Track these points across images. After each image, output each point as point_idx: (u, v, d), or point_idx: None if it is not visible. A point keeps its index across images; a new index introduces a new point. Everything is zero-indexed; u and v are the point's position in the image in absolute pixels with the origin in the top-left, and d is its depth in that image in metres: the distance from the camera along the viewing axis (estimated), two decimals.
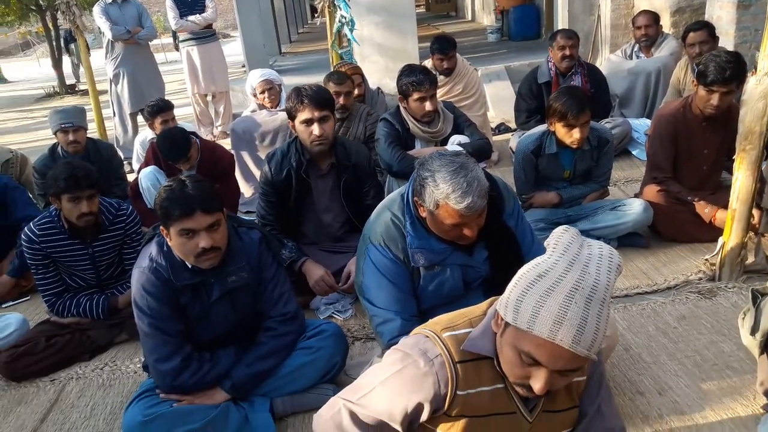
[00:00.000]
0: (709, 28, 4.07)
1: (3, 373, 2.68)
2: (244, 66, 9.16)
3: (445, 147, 3.33)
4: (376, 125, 3.59)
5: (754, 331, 2.18)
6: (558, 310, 1.10)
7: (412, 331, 1.43)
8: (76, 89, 13.48)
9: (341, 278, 2.81)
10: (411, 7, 6.96)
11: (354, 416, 1.38)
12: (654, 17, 4.73)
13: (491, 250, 2.00)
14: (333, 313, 2.90)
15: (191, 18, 6.27)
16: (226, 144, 4.94)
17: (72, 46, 13.30)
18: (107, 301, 2.85)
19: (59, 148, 4.02)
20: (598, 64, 5.80)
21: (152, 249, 2.09)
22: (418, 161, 1.89)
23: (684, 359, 2.31)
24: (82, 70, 10.25)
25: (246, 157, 4.43)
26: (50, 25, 13.64)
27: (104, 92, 6.69)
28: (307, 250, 2.91)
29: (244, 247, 2.16)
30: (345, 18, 5.29)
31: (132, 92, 5.90)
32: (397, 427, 1.33)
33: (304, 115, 2.69)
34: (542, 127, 3.18)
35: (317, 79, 3.98)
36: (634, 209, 3.09)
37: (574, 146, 3.02)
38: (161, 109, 4.10)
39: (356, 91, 4.02)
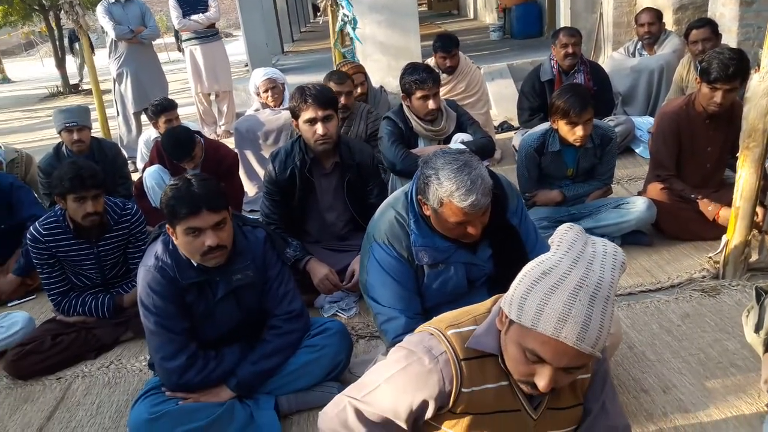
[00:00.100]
0: (711, 26, 4.06)
1: (9, 371, 2.69)
2: (247, 65, 9.17)
3: (449, 145, 3.33)
4: (378, 123, 3.59)
5: (758, 329, 2.19)
6: (562, 307, 1.11)
7: (417, 328, 1.43)
8: (80, 89, 13.51)
9: (345, 277, 2.82)
10: (413, 6, 6.94)
11: (359, 413, 1.38)
12: (657, 14, 4.71)
13: (495, 248, 2.00)
14: (337, 311, 2.91)
15: (194, 17, 6.29)
16: (230, 143, 4.95)
17: (75, 45, 13.32)
18: (112, 300, 2.87)
19: (64, 148, 4.02)
20: (600, 62, 5.79)
21: (158, 247, 2.10)
22: (422, 159, 1.89)
23: (688, 357, 2.31)
24: (85, 69, 10.25)
25: (249, 155, 4.44)
26: (53, 24, 13.66)
27: (108, 91, 6.70)
28: (311, 249, 2.92)
29: (250, 246, 2.17)
30: (347, 17, 5.29)
31: (135, 91, 5.90)
32: (402, 424, 1.34)
33: (307, 114, 2.70)
34: (545, 125, 3.18)
35: (320, 77, 3.98)
36: (637, 207, 3.09)
37: (577, 144, 3.01)
38: (165, 108, 4.10)
39: (359, 90, 4.02)
